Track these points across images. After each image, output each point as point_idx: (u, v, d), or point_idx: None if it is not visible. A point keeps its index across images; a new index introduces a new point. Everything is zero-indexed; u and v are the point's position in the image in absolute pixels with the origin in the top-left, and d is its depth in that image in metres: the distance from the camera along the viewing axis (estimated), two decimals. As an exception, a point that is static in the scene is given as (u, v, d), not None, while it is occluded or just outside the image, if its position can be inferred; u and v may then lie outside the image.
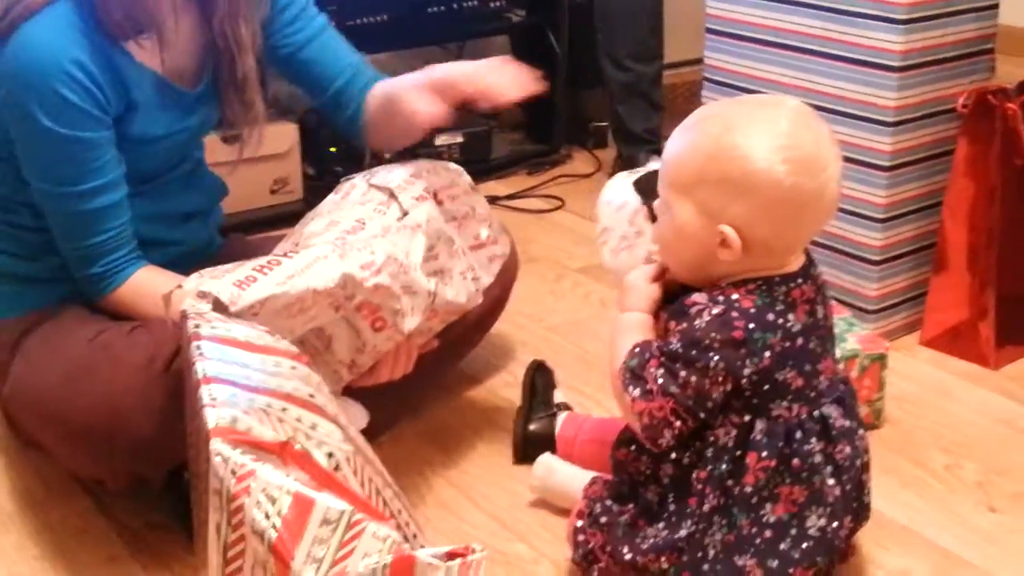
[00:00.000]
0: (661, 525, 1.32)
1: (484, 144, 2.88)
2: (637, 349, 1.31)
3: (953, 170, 1.95)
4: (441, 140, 2.80)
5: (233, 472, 1.04)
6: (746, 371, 1.26)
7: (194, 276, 1.34)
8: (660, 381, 1.27)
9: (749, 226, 1.26)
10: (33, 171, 1.54)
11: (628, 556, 1.32)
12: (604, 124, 2.97)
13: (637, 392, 1.28)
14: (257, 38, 1.65)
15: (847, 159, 1.95)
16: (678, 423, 1.27)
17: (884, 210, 1.96)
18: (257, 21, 1.65)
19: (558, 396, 1.71)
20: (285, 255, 1.37)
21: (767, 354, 1.26)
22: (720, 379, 1.26)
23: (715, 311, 1.26)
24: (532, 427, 1.66)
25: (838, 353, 1.69)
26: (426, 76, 1.61)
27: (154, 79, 1.57)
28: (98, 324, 1.58)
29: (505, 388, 1.88)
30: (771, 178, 1.24)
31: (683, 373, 1.26)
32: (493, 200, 2.71)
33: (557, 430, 1.63)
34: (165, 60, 1.57)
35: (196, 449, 1.13)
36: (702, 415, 1.27)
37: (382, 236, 1.46)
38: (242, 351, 1.25)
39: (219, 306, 1.29)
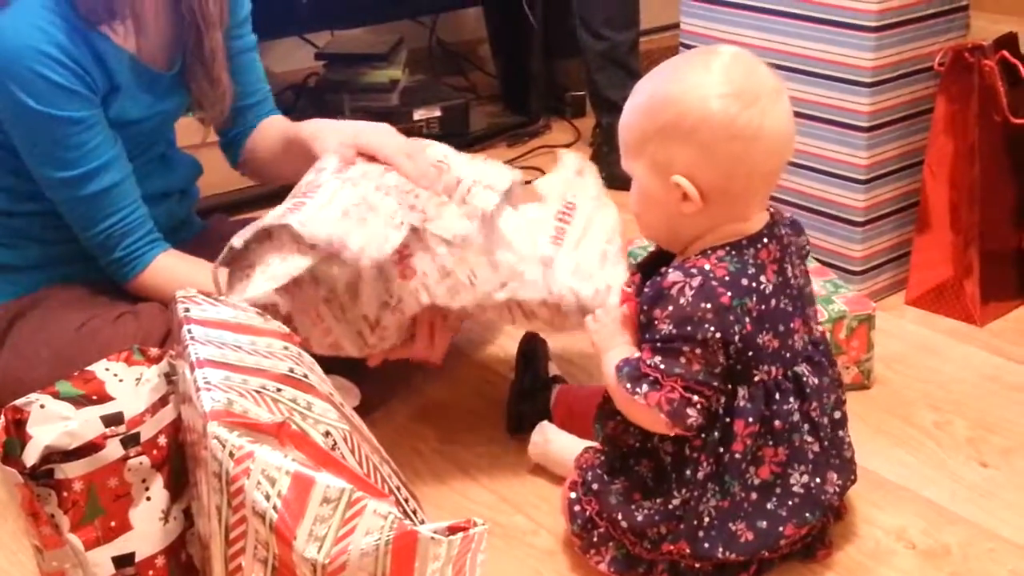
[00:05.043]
0: (658, 499, 1.32)
1: (462, 117, 2.87)
2: (621, 363, 1.30)
3: (932, 129, 1.96)
4: (419, 115, 2.79)
5: (231, 454, 1.04)
6: (735, 337, 1.26)
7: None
8: (662, 366, 1.25)
9: (699, 171, 1.26)
10: (33, 160, 1.54)
11: (624, 524, 1.33)
12: (581, 93, 2.97)
13: (645, 388, 1.26)
14: (225, 15, 1.66)
15: (827, 121, 1.97)
16: (696, 398, 1.25)
17: (866, 171, 1.96)
18: None
19: (552, 369, 1.71)
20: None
21: (747, 319, 1.26)
22: (718, 347, 1.25)
23: (695, 284, 1.25)
24: (526, 400, 1.66)
25: (825, 315, 1.71)
26: (353, 138, 1.59)
27: (131, 61, 1.57)
28: (85, 312, 1.58)
29: (496, 362, 1.88)
30: (705, 113, 1.24)
31: (685, 349, 1.24)
32: (473, 174, 2.70)
33: (552, 403, 1.63)
34: (141, 42, 1.57)
35: (195, 432, 1.13)
36: (716, 383, 1.26)
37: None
38: (233, 333, 1.24)
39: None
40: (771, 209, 1.36)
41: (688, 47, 2.19)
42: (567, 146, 2.87)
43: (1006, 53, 1.91)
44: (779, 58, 2.00)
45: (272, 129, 1.79)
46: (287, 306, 1.43)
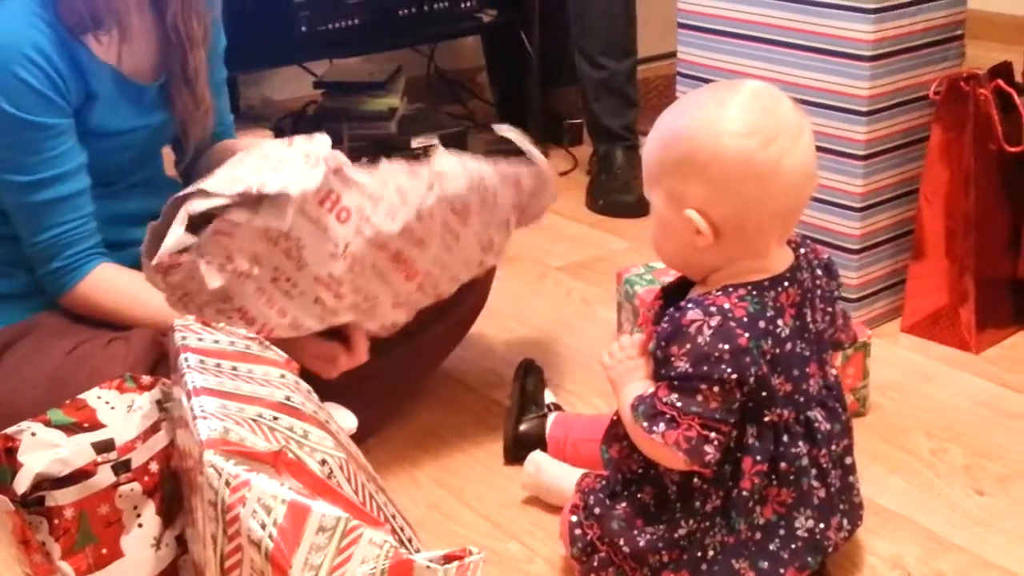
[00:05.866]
0: (661, 526, 1.32)
1: (459, 144, 2.86)
2: (636, 401, 1.29)
3: (928, 157, 1.97)
4: (417, 143, 2.80)
5: (227, 483, 1.04)
6: (751, 379, 1.25)
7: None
8: (679, 404, 1.24)
9: (712, 207, 1.26)
10: None
11: (626, 549, 1.33)
12: (579, 121, 2.97)
13: (662, 427, 1.25)
14: (208, 35, 1.67)
15: (823, 149, 1.96)
16: (713, 435, 1.24)
17: (861, 199, 1.97)
18: (209, 18, 1.67)
19: (548, 396, 1.71)
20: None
21: (762, 361, 1.26)
22: (734, 387, 1.24)
23: (714, 323, 1.24)
24: (522, 427, 1.65)
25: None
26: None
27: (112, 72, 1.58)
28: (75, 336, 1.58)
29: (492, 388, 1.88)
30: (717, 150, 1.24)
31: (702, 387, 1.24)
32: (471, 201, 2.71)
33: (547, 431, 1.63)
34: (123, 55, 1.58)
35: (192, 459, 1.13)
36: (732, 420, 1.26)
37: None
38: (229, 361, 1.24)
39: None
40: (803, 248, 1.36)
41: (685, 76, 2.20)
42: (564, 174, 2.87)
43: (1001, 82, 1.92)
44: (776, 87, 2.01)
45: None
46: (239, 298, 1.43)
